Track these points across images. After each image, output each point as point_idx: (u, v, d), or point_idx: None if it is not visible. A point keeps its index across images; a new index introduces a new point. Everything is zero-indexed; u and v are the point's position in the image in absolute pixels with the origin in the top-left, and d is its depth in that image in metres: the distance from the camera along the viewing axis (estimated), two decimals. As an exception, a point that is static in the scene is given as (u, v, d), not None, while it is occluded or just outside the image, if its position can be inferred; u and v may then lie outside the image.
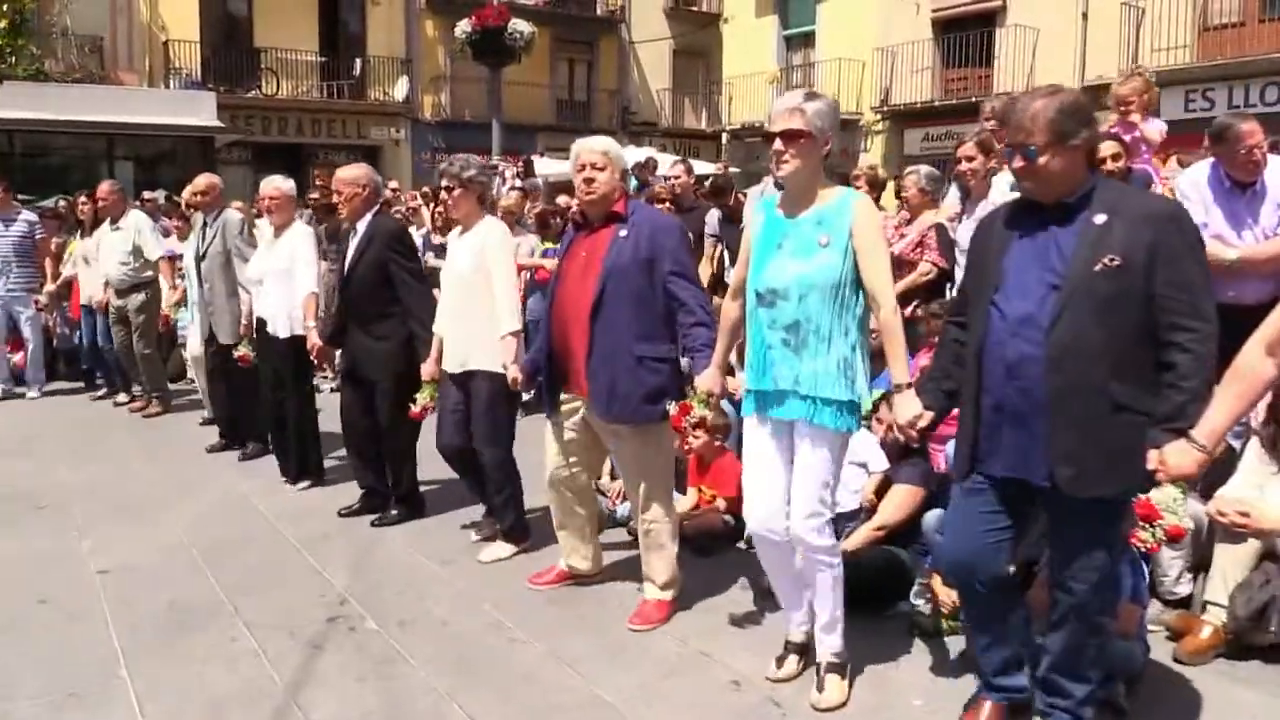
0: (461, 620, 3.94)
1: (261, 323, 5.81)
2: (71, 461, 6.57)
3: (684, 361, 3.85)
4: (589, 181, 3.80)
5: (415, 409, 4.82)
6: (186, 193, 7.23)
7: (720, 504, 4.85)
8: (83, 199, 8.53)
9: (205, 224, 6.66)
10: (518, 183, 11.39)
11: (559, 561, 4.30)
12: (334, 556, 4.67)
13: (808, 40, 23.46)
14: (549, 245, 7.82)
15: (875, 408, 4.31)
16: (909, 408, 3.05)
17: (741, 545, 4.61)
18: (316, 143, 23.09)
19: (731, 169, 12.64)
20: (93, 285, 8.34)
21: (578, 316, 3.80)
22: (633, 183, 10.52)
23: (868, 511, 4.10)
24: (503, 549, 4.67)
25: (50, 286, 8.80)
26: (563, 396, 4.01)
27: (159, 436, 7.36)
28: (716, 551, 4.64)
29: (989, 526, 2.85)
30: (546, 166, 14.38)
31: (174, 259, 8.28)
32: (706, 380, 3.56)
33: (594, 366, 3.77)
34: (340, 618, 3.96)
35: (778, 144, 3.13)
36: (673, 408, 3.67)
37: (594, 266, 3.80)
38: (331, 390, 7.31)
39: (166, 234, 9.07)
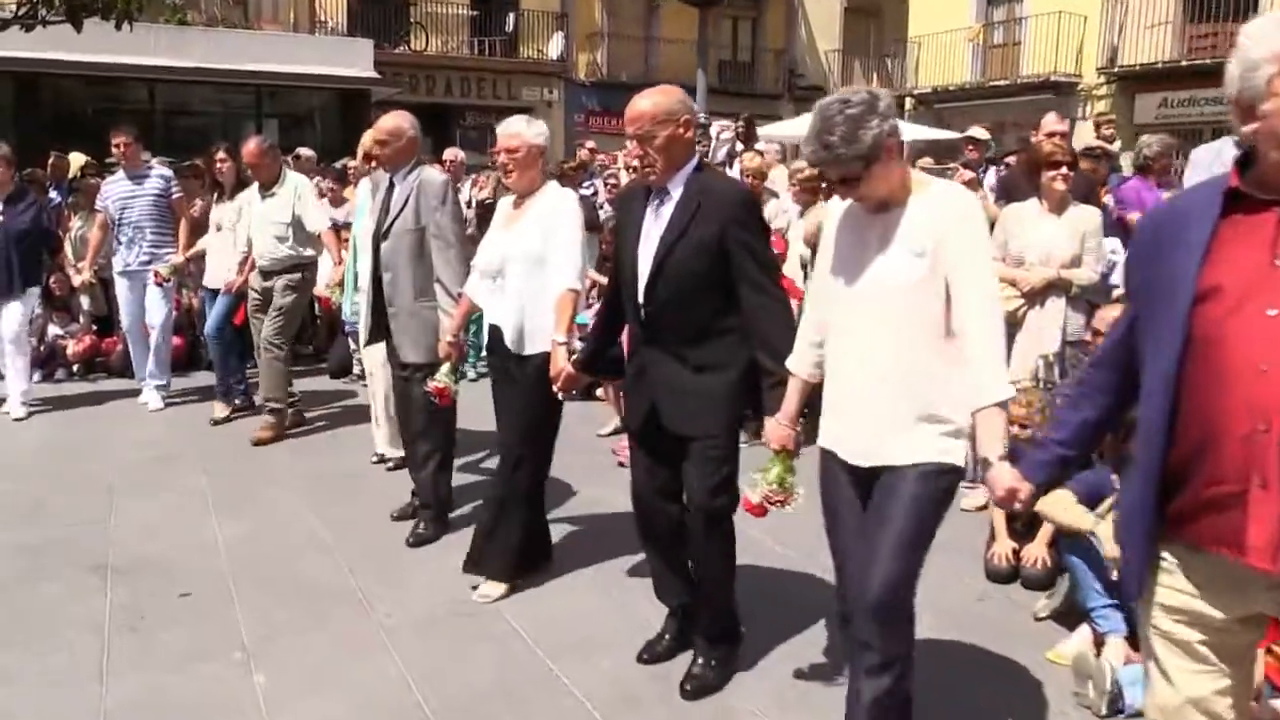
0: None
1: (496, 334, 3.84)
2: (219, 502, 4.82)
3: None
4: None
5: (752, 500, 2.80)
6: (367, 138, 5.13)
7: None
8: (220, 155, 6.55)
9: (391, 186, 4.49)
10: (739, 146, 9.39)
11: None
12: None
13: (1014, -8, 20.61)
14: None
15: None
16: None
17: None
18: (465, 104, 21.62)
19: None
20: (224, 262, 6.44)
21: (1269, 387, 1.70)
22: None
23: None
24: None
25: (177, 258, 6.87)
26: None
27: (324, 471, 5.49)
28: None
29: None
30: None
31: (339, 229, 6.45)
32: None
33: None
34: None
35: None
36: None
37: None
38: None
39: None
